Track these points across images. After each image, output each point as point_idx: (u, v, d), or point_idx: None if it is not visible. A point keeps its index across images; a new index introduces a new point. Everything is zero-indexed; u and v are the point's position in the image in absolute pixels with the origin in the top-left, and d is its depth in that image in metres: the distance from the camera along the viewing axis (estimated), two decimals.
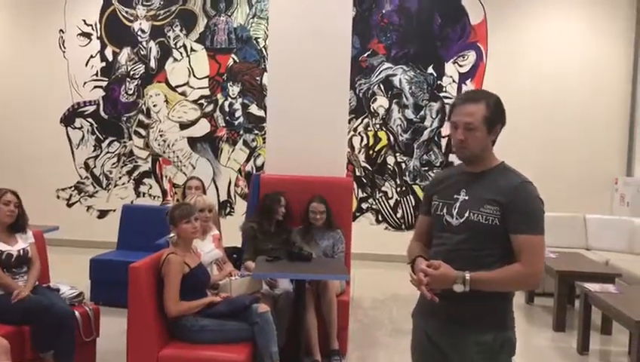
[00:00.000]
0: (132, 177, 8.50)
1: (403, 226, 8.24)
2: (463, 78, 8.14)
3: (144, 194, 8.48)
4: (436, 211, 2.22)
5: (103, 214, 8.50)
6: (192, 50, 8.33)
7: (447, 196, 2.19)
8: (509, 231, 2.07)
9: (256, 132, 8.30)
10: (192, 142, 8.39)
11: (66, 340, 3.60)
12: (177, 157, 8.44)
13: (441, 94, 8.12)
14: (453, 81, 8.14)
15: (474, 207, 2.11)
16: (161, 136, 8.43)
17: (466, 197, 2.15)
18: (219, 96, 8.33)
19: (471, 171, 2.19)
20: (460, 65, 8.14)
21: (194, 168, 8.35)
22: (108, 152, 8.51)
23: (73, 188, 8.56)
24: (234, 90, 8.29)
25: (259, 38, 8.24)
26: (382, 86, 8.20)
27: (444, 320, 2.16)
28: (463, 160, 2.21)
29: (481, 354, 2.11)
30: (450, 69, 8.13)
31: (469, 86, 8.11)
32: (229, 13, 8.27)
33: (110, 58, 8.42)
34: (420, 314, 2.29)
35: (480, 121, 2.11)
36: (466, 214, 2.12)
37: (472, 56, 8.12)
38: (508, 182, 2.12)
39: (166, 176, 8.46)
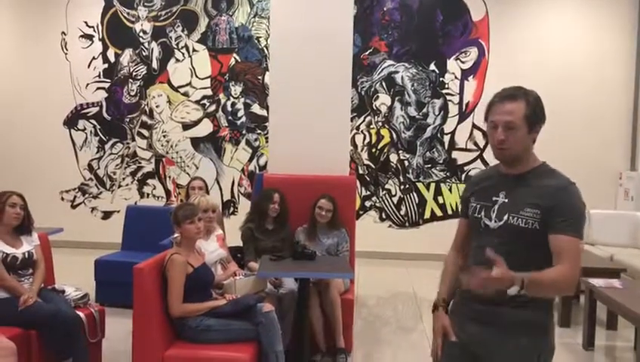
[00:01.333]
0: (136, 178, 8.52)
1: (407, 224, 8.24)
2: (465, 74, 8.13)
3: (148, 194, 8.50)
4: (474, 213, 2.16)
5: (107, 215, 8.53)
6: (193, 50, 8.34)
7: (486, 198, 2.13)
8: (549, 231, 1.97)
9: (258, 131, 8.31)
10: (195, 142, 8.41)
11: (77, 346, 3.62)
12: (180, 157, 8.45)
13: (444, 91, 8.11)
14: (456, 77, 8.13)
15: (513, 210, 2.05)
16: (164, 136, 8.45)
17: (505, 200, 2.08)
18: (221, 96, 8.34)
19: (511, 173, 2.12)
20: (462, 62, 8.12)
21: (197, 168, 8.37)
22: (111, 153, 8.53)
23: (77, 190, 8.58)
24: (236, 89, 8.30)
25: (260, 37, 8.24)
26: (384, 83, 8.20)
27: (483, 324, 2.10)
28: (503, 161, 2.13)
29: (523, 357, 2.05)
30: (452, 65, 8.12)
31: (471, 82, 8.09)
32: (231, 13, 8.27)
33: (112, 59, 8.44)
34: (454, 317, 2.22)
35: (521, 120, 2.03)
36: (505, 217, 2.05)
37: (474, 52, 8.11)
38: (551, 184, 2.03)
39: (169, 177, 8.48)
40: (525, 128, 2.04)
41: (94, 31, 8.44)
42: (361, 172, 8.25)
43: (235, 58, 8.29)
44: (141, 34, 8.39)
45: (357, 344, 4.68)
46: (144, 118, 8.44)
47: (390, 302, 6.19)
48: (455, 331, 2.17)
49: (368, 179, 8.30)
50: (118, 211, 8.17)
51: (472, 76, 8.12)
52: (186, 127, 8.41)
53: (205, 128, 8.38)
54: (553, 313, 2.15)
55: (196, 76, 8.36)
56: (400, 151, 8.26)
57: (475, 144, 8.08)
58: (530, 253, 2.02)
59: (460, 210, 2.38)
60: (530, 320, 2.05)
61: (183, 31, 8.33)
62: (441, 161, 8.18)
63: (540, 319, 2.08)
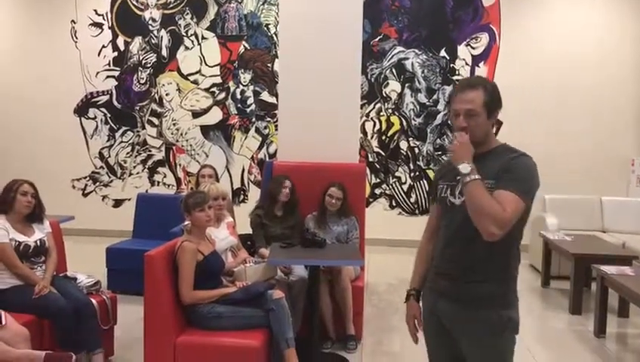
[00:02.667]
0: (146, 166, 8.55)
1: (417, 211, 8.22)
2: (476, 60, 8.06)
3: (158, 183, 8.54)
4: (441, 193, 2.28)
5: (118, 203, 8.58)
6: (203, 38, 8.32)
7: (451, 178, 2.23)
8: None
9: (268, 119, 8.30)
10: (205, 130, 8.41)
11: (90, 332, 3.66)
12: (191, 145, 8.47)
13: (454, 77, 8.05)
14: (466, 63, 8.06)
15: None
16: (174, 124, 8.46)
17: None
18: (230, 83, 8.32)
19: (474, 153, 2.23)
20: (473, 48, 8.05)
21: (207, 156, 8.38)
22: (122, 142, 8.56)
23: (88, 178, 8.63)
24: (245, 77, 8.28)
25: (269, 24, 8.20)
26: (394, 70, 8.15)
27: (451, 300, 2.22)
28: None
29: (486, 331, 2.16)
30: (462, 51, 8.05)
31: (482, 68, 8.02)
32: (240, 0, 8.24)
33: (122, 48, 8.44)
34: (429, 295, 2.35)
35: (480, 107, 2.15)
36: None
37: (484, 38, 8.03)
38: (505, 157, 2.15)
39: (180, 165, 8.50)
40: (485, 114, 2.17)
41: (104, 19, 8.44)
42: (370, 159, 8.23)
43: (244, 45, 8.26)
44: (150, 22, 8.37)
45: (367, 331, 4.69)
46: (154, 106, 8.46)
47: (400, 290, 6.19)
48: (430, 307, 2.32)
49: (378, 166, 8.28)
50: (129, 199, 8.21)
51: (482, 62, 8.05)
52: (196, 115, 8.41)
53: (215, 116, 8.38)
54: (516, 287, 2.24)
55: (206, 64, 8.34)
56: (410, 139, 8.22)
57: None
58: None
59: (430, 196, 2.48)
60: (493, 294, 2.16)
61: (192, 19, 8.31)
62: None
63: (503, 293, 2.18)
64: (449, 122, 8.11)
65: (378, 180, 8.29)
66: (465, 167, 2.03)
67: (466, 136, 2.10)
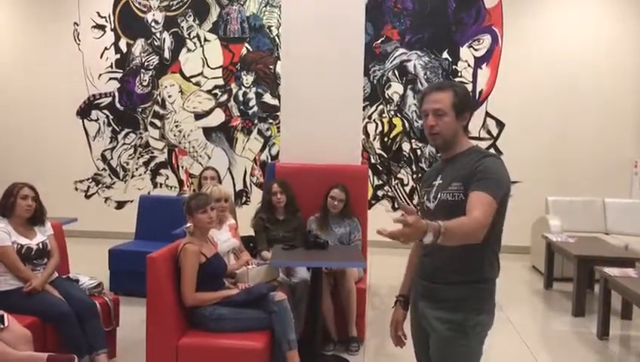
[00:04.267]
0: (149, 168, 8.56)
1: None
2: (478, 62, 8.05)
3: (161, 184, 8.54)
4: (421, 199, 2.38)
5: (120, 205, 8.58)
6: (205, 40, 8.33)
7: (429, 184, 2.32)
8: (469, 193, 2.08)
9: (270, 121, 8.30)
10: (207, 132, 8.42)
11: (92, 332, 3.67)
12: (193, 147, 8.47)
13: (457, 79, 8.03)
14: (469, 65, 8.06)
15: (444, 187, 2.21)
16: (176, 126, 8.47)
17: (440, 181, 2.25)
18: (233, 85, 8.33)
19: (447, 157, 2.30)
20: (476, 50, 8.05)
21: (209, 158, 8.39)
22: (124, 144, 8.57)
23: (91, 180, 8.64)
24: (248, 79, 8.29)
25: (272, 26, 8.21)
26: (396, 72, 8.15)
27: (426, 301, 2.27)
28: (436, 147, 2.33)
29: (451, 333, 2.18)
30: (465, 53, 8.05)
31: (484, 70, 8.02)
32: (242, 2, 8.24)
33: (124, 50, 8.46)
34: (412, 296, 2.41)
35: (448, 107, 2.20)
36: (439, 196, 2.23)
37: (487, 39, 8.02)
38: (473, 159, 2.19)
39: (182, 167, 8.51)
40: (453, 114, 2.21)
41: (106, 21, 8.46)
42: (373, 161, 8.22)
43: (246, 47, 8.27)
44: (153, 24, 8.39)
45: (369, 333, 4.69)
46: (156, 108, 8.47)
47: None
48: (413, 308, 2.38)
49: (380, 168, 8.28)
50: (132, 201, 8.21)
51: (485, 64, 8.05)
52: (198, 116, 8.42)
53: (217, 118, 8.39)
54: (492, 293, 2.24)
55: (208, 66, 8.35)
56: (412, 140, 8.22)
57: (489, 132, 8.00)
58: None
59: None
60: (463, 297, 2.19)
61: (194, 21, 8.32)
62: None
63: (473, 297, 2.20)
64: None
65: (380, 182, 8.29)
66: (428, 238, 1.86)
67: (411, 218, 1.84)
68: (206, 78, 8.36)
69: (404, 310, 2.48)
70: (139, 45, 8.43)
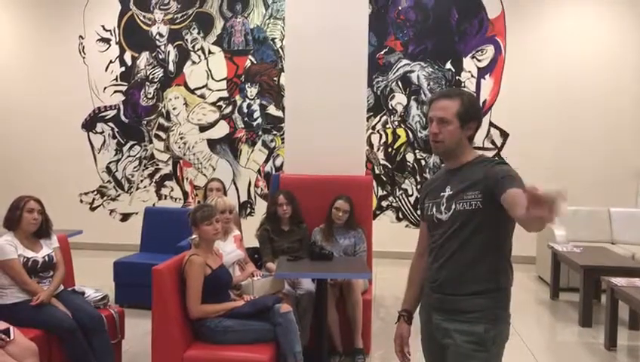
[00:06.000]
0: (153, 180, 8.58)
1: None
2: (481, 72, 8.07)
3: (166, 196, 8.56)
4: (428, 212, 2.30)
5: (125, 217, 8.60)
6: (209, 52, 8.37)
7: (435, 196, 2.28)
8: (497, 195, 2.01)
9: (274, 132, 8.32)
10: (212, 143, 8.44)
11: (99, 345, 3.67)
12: (197, 159, 8.49)
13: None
14: (472, 76, 8.07)
15: (458, 197, 2.18)
16: (181, 138, 8.50)
17: (451, 192, 2.21)
18: (237, 97, 8.36)
19: (451, 167, 2.28)
20: (479, 60, 8.07)
21: (214, 170, 8.41)
22: (129, 156, 8.60)
23: (96, 192, 8.66)
24: (252, 91, 8.32)
25: (275, 38, 8.25)
26: (400, 83, 8.17)
27: (441, 313, 2.24)
28: (439, 154, 2.33)
29: (471, 345, 2.15)
30: (468, 63, 8.07)
31: (487, 81, 8.03)
32: (246, 15, 8.30)
33: (129, 63, 8.51)
34: (423, 309, 2.38)
35: (453, 115, 2.18)
36: (453, 206, 2.18)
37: (490, 50, 8.04)
38: (481, 166, 2.19)
39: (187, 179, 8.53)
40: (457, 123, 2.19)
41: (111, 34, 8.52)
42: (377, 172, 8.22)
43: (250, 60, 8.31)
44: (157, 37, 8.44)
45: (375, 345, 4.66)
46: (161, 120, 8.50)
47: None
48: (425, 321, 2.35)
49: (385, 178, 8.28)
50: (137, 213, 8.22)
51: (488, 74, 8.06)
52: (203, 128, 8.45)
53: (222, 130, 8.42)
54: (507, 303, 2.23)
55: (212, 78, 8.39)
56: (416, 151, 8.22)
57: (493, 143, 8.00)
58: (478, 234, 2.12)
59: (420, 216, 2.50)
60: (480, 308, 2.16)
61: (198, 33, 8.38)
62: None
63: (490, 307, 2.17)
64: None
65: (385, 193, 8.28)
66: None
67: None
68: (210, 90, 8.40)
69: (408, 325, 2.44)
70: (143, 58, 8.48)
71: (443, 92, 2.31)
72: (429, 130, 2.27)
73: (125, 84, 8.53)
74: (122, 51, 8.51)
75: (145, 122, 8.52)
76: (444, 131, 2.19)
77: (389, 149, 8.25)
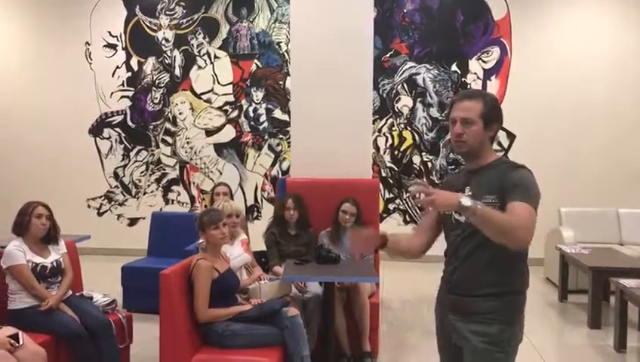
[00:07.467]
0: (160, 185, 8.60)
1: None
2: (487, 74, 8.05)
3: (173, 201, 8.58)
4: (446, 211, 2.29)
5: (133, 222, 8.62)
6: (215, 57, 8.40)
7: None
8: (507, 203, 2.08)
9: (280, 136, 8.33)
10: (218, 148, 8.46)
11: (108, 350, 3.69)
12: (204, 163, 8.51)
13: None
14: (478, 77, 8.06)
15: (476, 199, 2.15)
16: (187, 143, 8.52)
17: (470, 193, 2.19)
18: (243, 101, 8.38)
19: (473, 168, 2.29)
20: (484, 62, 8.05)
21: (221, 174, 8.42)
22: (136, 161, 8.63)
23: (103, 198, 8.70)
24: (258, 95, 8.34)
25: (281, 42, 8.27)
26: (405, 85, 8.16)
27: (456, 314, 2.25)
28: (461, 155, 2.33)
29: (487, 346, 2.16)
30: (474, 65, 8.05)
31: (493, 82, 8.02)
32: (251, 19, 8.32)
33: (136, 68, 8.55)
34: (440, 309, 2.38)
35: (477, 116, 2.20)
36: None
37: (496, 52, 8.03)
38: (502, 169, 2.20)
39: (194, 183, 8.55)
40: (481, 124, 2.21)
41: (118, 40, 8.56)
42: (384, 174, 8.22)
43: (256, 64, 8.33)
44: (163, 42, 8.48)
45: (382, 348, 4.65)
46: (168, 125, 8.53)
47: (415, 306, 6.15)
48: (441, 321, 2.36)
49: (391, 181, 8.27)
50: (144, 218, 8.25)
51: (494, 76, 8.05)
52: (209, 133, 8.47)
53: (228, 134, 8.44)
54: (522, 304, 2.24)
55: (218, 83, 8.42)
56: (423, 153, 8.21)
57: (499, 144, 7.97)
58: (490, 239, 2.07)
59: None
60: (495, 310, 2.17)
61: (204, 38, 8.41)
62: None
63: (504, 309, 2.18)
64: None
65: (391, 195, 8.27)
66: (466, 200, 1.96)
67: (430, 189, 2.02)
68: (216, 94, 8.43)
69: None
70: (150, 63, 8.51)
71: (466, 93, 2.32)
72: (450, 131, 2.27)
73: (132, 89, 8.57)
74: (129, 57, 8.56)
75: (151, 127, 8.56)
76: (468, 132, 2.20)
77: (396, 152, 8.25)
